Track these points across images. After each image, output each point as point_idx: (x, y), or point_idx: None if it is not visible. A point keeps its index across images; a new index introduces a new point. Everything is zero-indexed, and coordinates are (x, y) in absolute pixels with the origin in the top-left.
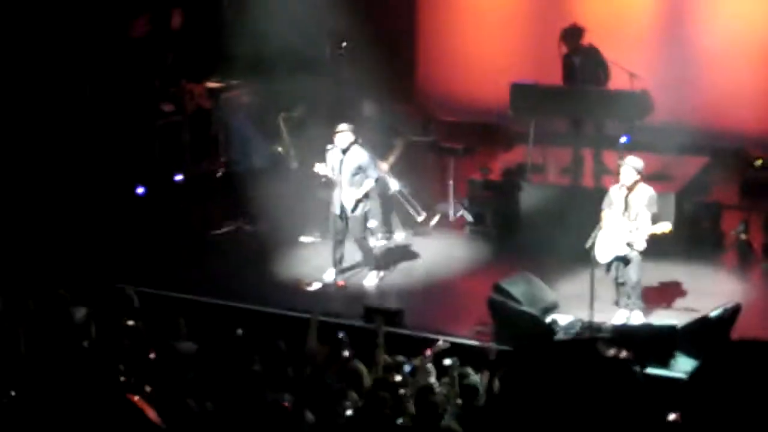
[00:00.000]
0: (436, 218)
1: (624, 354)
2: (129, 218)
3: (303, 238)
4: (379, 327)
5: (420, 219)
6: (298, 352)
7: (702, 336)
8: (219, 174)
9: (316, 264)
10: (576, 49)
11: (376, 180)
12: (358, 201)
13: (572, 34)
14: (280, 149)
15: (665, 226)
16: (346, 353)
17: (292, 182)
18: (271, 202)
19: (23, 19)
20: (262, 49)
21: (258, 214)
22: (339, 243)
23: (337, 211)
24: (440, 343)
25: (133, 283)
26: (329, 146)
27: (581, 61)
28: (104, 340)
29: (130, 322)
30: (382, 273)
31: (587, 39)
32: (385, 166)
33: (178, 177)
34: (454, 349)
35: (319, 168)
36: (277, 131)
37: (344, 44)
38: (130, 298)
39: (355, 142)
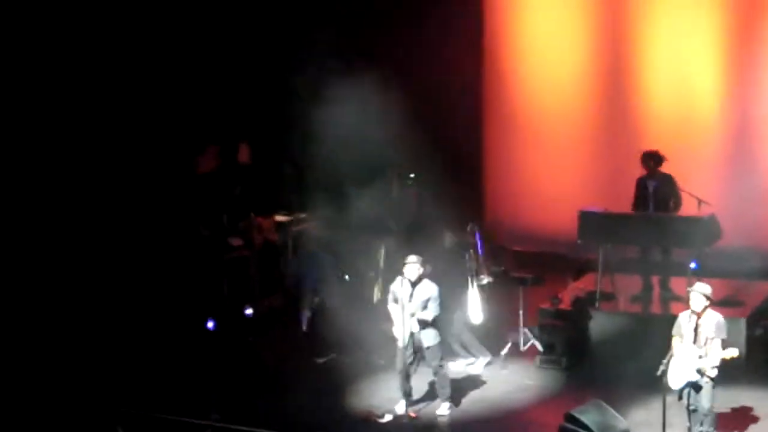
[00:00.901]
0: (507, 347)
1: None
2: (201, 352)
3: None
4: None
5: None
6: None
7: None
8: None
9: (387, 396)
10: (653, 174)
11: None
12: (427, 325)
13: (652, 159)
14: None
15: (733, 352)
16: None
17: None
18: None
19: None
20: (332, 181)
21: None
22: (407, 376)
23: (403, 344)
24: None
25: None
26: (399, 278)
27: (656, 187)
28: None
29: None
30: (453, 404)
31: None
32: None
33: (248, 311)
34: None
35: (391, 308)
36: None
37: (412, 175)
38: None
39: (424, 274)
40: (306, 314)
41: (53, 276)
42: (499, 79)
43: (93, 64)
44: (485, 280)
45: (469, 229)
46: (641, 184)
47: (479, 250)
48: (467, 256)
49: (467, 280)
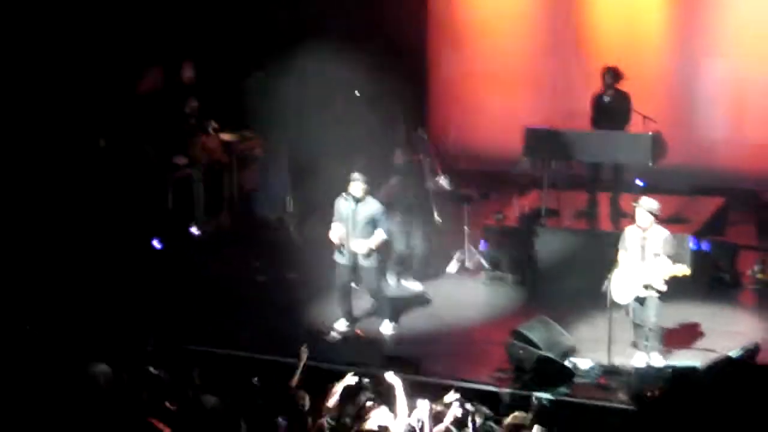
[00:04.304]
0: (453, 265)
1: None
2: (147, 271)
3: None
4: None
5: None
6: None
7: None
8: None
9: (330, 313)
10: (608, 89)
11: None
12: (371, 251)
13: (609, 73)
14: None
15: (683, 269)
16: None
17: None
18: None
19: (38, 69)
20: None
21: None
22: (346, 294)
23: (345, 262)
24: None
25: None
26: (343, 195)
27: (611, 103)
28: (127, 392)
29: (153, 370)
30: (396, 323)
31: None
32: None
33: (193, 230)
34: (471, 395)
35: (334, 234)
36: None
37: (356, 93)
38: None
39: (369, 192)
40: None
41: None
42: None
43: None
44: (442, 179)
45: (419, 132)
46: (596, 100)
47: (430, 150)
48: (421, 156)
49: (423, 191)
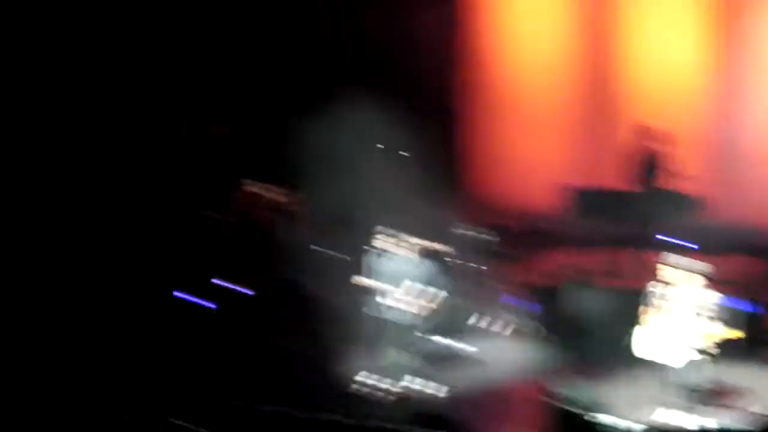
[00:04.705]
0: (489, 323)
1: None
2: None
3: None
4: None
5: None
6: None
7: None
8: None
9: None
10: (646, 150)
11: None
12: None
13: (647, 135)
14: None
15: (719, 329)
16: None
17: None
18: None
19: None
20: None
21: None
22: (389, 348)
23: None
24: None
25: None
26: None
27: (648, 163)
28: None
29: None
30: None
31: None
32: None
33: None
34: None
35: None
36: None
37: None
38: None
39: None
40: None
41: None
42: (480, 55)
43: None
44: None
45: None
46: (635, 161)
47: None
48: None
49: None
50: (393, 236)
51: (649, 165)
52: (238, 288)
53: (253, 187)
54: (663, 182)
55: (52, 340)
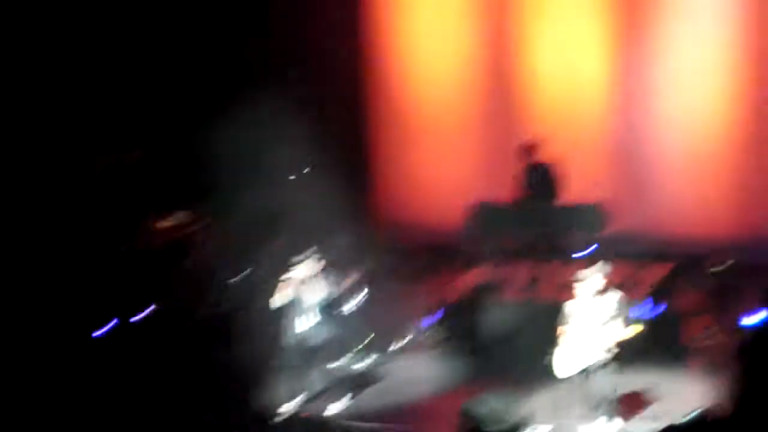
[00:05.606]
0: (402, 341)
1: None
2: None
3: None
4: None
5: None
6: None
7: None
8: None
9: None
10: (533, 163)
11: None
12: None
13: (529, 150)
14: None
15: (635, 328)
16: None
17: None
18: None
19: None
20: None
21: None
22: (298, 372)
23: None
24: None
25: None
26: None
27: (538, 176)
28: None
29: None
30: (350, 395)
31: (545, 151)
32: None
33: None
34: None
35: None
36: None
37: (306, 170)
38: None
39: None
40: None
41: None
42: (382, 73)
43: None
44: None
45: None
46: (523, 175)
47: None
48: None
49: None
50: (301, 259)
51: (544, 177)
52: (145, 316)
53: (159, 215)
54: (565, 193)
55: None
